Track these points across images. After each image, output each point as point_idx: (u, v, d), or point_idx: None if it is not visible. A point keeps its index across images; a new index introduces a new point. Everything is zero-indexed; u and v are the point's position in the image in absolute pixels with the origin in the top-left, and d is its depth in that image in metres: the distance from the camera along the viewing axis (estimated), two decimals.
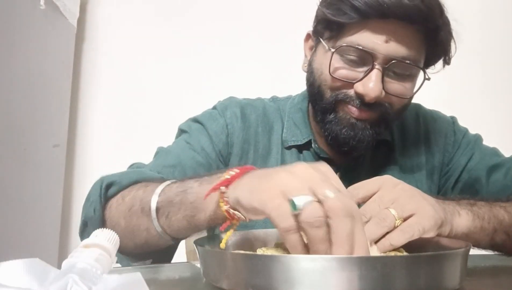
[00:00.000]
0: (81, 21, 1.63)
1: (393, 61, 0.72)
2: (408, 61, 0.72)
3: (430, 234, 0.53)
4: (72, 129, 1.63)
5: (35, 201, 1.35)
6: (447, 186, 0.86)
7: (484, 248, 0.67)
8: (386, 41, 0.71)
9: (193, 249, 0.56)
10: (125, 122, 1.64)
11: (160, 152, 0.84)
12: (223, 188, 0.52)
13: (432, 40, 0.73)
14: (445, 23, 0.73)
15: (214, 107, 0.90)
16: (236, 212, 0.51)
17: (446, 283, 0.45)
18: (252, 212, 0.49)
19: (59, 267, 0.38)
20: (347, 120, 0.75)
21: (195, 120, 0.87)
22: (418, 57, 0.74)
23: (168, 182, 0.63)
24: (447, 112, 0.95)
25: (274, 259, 0.43)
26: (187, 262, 0.79)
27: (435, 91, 1.51)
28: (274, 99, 0.94)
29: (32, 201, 1.33)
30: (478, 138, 0.89)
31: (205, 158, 0.81)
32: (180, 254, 0.79)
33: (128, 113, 1.65)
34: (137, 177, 0.70)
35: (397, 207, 0.53)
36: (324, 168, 0.49)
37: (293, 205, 0.44)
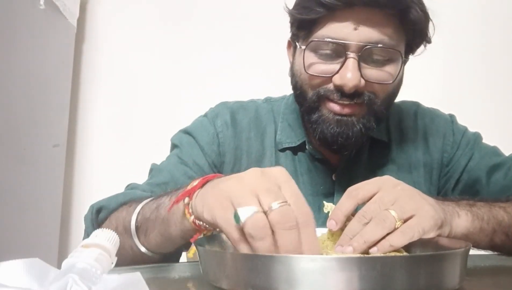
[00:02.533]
0: (81, 21, 1.63)
1: (367, 47, 0.70)
2: (381, 45, 0.71)
3: (430, 235, 0.53)
4: (72, 129, 1.63)
5: (35, 201, 1.35)
6: (447, 187, 0.85)
7: (483, 248, 0.67)
8: (355, 28, 0.70)
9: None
10: (125, 122, 1.64)
11: (153, 170, 0.83)
12: (186, 199, 0.54)
13: (405, 21, 0.72)
14: (416, 2, 0.72)
15: (205, 115, 0.90)
16: (201, 223, 0.53)
17: (446, 283, 0.45)
18: (207, 222, 0.51)
19: (59, 267, 0.38)
20: (332, 117, 0.74)
21: (186, 131, 0.87)
22: (394, 40, 0.72)
23: (147, 200, 0.65)
24: (445, 110, 0.93)
25: (274, 259, 0.43)
26: (187, 262, 0.79)
27: (434, 89, 1.52)
28: (267, 100, 0.93)
29: (32, 201, 1.33)
30: (477, 137, 0.88)
31: (198, 171, 0.80)
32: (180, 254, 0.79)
33: (128, 113, 1.65)
34: (124, 199, 0.72)
35: (397, 208, 0.52)
36: (278, 172, 0.49)
37: (236, 218, 0.44)
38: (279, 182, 0.47)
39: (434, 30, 0.77)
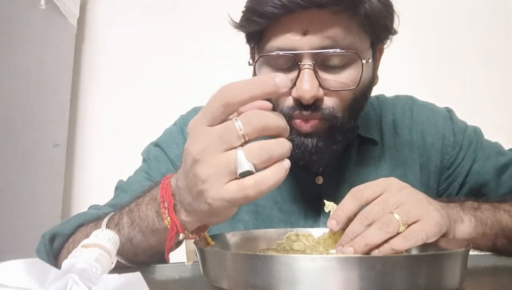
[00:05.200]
0: (81, 21, 1.63)
1: (320, 54, 0.64)
2: (336, 49, 0.64)
3: (433, 240, 0.53)
4: (72, 129, 1.63)
5: (35, 201, 1.35)
6: (450, 191, 0.80)
7: (484, 251, 0.66)
8: (304, 34, 0.64)
9: (193, 249, 0.56)
10: (125, 122, 1.64)
11: (118, 188, 0.78)
12: (182, 235, 0.51)
13: (359, 16, 0.64)
14: None
15: (175, 123, 0.85)
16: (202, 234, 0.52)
17: (446, 283, 0.45)
18: (204, 213, 0.48)
19: None
20: (293, 138, 0.67)
21: (155, 144, 0.82)
22: (349, 41, 0.65)
23: (106, 219, 0.61)
24: (440, 103, 0.88)
25: (274, 259, 0.43)
26: (187, 262, 0.79)
27: (430, 83, 1.52)
28: None
29: (32, 201, 1.33)
30: (479, 134, 0.82)
31: None
32: (180, 254, 0.79)
33: (128, 113, 1.65)
34: (78, 221, 0.67)
35: (402, 212, 0.51)
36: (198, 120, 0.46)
37: (242, 174, 0.43)
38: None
39: (399, 19, 0.69)
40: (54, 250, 0.68)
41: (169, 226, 0.51)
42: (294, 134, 0.68)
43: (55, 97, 1.48)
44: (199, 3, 1.66)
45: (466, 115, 0.86)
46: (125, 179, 0.81)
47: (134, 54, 1.66)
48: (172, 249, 0.54)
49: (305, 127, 0.67)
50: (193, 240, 0.54)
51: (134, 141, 1.65)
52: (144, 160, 0.82)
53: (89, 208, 0.76)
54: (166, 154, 0.80)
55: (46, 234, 0.69)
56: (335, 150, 0.70)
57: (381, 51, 0.75)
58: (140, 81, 1.65)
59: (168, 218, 0.51)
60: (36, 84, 1.34)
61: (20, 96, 1.25)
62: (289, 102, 0.68)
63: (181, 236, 0.51)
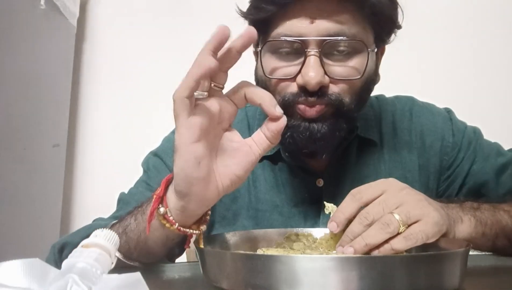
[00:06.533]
0: (81, 21, 1.63)
1: (327, 41, 0.65)
2: (343, 37, 0.65)
3: (433, 240, 0.53)
4: (72, 129, 1.63)
5: (35, 201, 1.35)
6: (450, 192, 0.80)
7: (484, 251, 0.66)
8: (311, 22, 0.65)
9: (193, 249, 0.56)
10: (125, 122, 1.64)
11: (121, 201, 0.79)
12: (162, 209, 0.53)
13: (364, 7, 0.66)
14: None
15: (173, 131, 0.83)
16: (188, 230, 0.53)
17: (446, 283, 0.45)
18: (184, 194, 0.50)
19: None
20: (299, 124, 0.68)
21: (155, 153, 0.83)
22: (355, 30, 0.66)
23: (110, 224, 0.65)
24: (440, 103, 0.88)
25: (274, 259, 0.43)
26: (187, 262, 0.79)
27: (429, 84, 1.52)
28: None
29: (32, 201, 1.33)
30: (478, 135, 0.82)
31: None
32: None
33: (128, 113, 1.65)
34: (88, 232, 0.67)
35: (402, 212, 0.51)
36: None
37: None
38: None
39: (403, 14, 0.71)
40: (63, 259, 0.68)
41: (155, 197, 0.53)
42: (298, 119, 0.68)
43: (55, 97, 1.48)
44: (199, 3, 1.66)
45: (466, 116, 0.87)
46: (125, 185, 0.81)
47: (134, 54, 1.66)
48: (162, 231, 0.56)
49: (310, 112, 0.67)
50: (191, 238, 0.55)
51: (134, 141, 1.65)
52: (144, 171, 0.83)
53: (93, 221, 0.76)
54: (165, 163, 0.80)
55: (55, 245, 0.70)
56: (338, 137, 0.70)
57: (382, 51, 0.76)
58: (140, 80, 1.65)
59: (158, 191, 0.54)
60: (36, 84, 1.34)
61: (20, 96, 1.25)
62: (293, 88, 0.68)
63: (162, 210, 0.53)
